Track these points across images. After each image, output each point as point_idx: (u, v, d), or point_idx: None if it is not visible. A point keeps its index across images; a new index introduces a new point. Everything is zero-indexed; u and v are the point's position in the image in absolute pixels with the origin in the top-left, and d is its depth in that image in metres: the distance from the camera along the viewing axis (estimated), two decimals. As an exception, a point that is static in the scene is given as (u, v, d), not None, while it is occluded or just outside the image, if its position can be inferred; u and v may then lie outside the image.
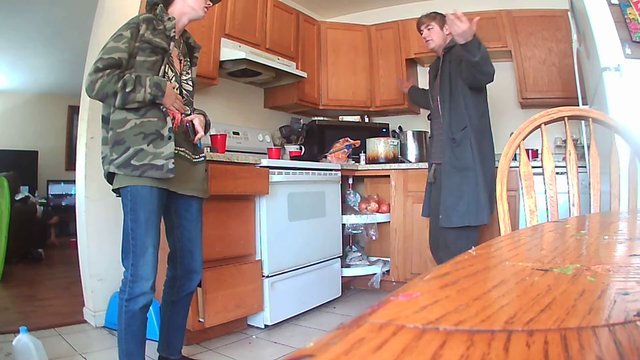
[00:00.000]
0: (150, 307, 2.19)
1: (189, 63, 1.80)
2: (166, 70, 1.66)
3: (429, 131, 2.69)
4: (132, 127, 1.56)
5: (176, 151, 1.64)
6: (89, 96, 1.55)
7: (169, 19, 1.67)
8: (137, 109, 1.57)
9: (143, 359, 1.64)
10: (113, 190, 1.64)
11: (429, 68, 2.78)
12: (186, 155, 1.70)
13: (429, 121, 2.70)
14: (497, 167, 1.21)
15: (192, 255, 1.79)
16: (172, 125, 1.63)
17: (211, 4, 1.78)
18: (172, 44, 1.67)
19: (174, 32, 1.68)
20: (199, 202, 1.80)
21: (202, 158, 1.79)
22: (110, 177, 1.63)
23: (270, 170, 2.44)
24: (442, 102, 2.42)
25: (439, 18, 2.45)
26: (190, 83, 1.79)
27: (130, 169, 1.53)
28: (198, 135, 1.72)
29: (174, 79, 1.69)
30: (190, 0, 1.71)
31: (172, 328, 1.83)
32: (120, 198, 1.63)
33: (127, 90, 1.51)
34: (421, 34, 2.53)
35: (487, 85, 2.39)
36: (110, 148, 1.56)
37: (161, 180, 1.58)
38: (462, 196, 2.30)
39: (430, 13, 2.50)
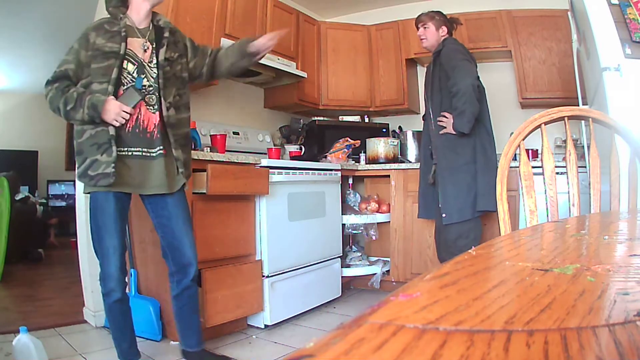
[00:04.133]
0: (150, 307, 2.21)
1: (155, 50, 1.75)
2: (124, 67, 1.67)
3: (424, 131, 2.72)
4: (87, 137, 1.64)
5: (130, 152, 1.68)
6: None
7: (121, 17, 1.70)
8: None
9: (128, 342, 1.78)
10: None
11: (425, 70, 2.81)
12: (141, 152, 1.70)
13: (423, 121, 2.74)
14: (496, 167, 1.21)
15: (180, 251, 1.81)
16: (125, 127, 1.67)
17: None
18: (123, 44, 1.66)
19: (124, 31, 1.68)
20: (175, 198, 1.79)
21: (160, 151, 1.73)
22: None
23: (270, 170, 2.44)
24: (432, 105, 2.47)
25: (437, 18, 2.49)
26: (155, 69, 1.73)
27: (87, 179, 1.64)
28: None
29: (135, 72, 1.69)
30: None
31: (183, 322, 1.88)
32: None
33: (68, 108, 1.61)
34: (417, 31, 2.57)
35: (484, 88, 2.44)
36: (76, 158, 1.68)
37: (116, 184, 1.64)
38: (447, 195, 2.39)
39: (430, 12, 2.52)
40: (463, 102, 2.27)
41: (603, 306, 0.30)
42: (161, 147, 1.73)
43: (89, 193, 1.70)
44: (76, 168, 1.68)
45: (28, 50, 4.90)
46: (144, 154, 1.70)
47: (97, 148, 1.62)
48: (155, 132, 1.72)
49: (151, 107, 1.72)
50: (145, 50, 1.72)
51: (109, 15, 1.72)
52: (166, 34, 1.78)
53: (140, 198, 1.82)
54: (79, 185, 2.46)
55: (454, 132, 2.34)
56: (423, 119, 2.72)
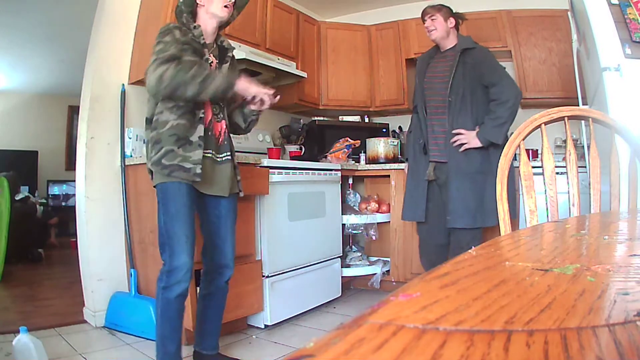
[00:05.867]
0: (150, 307, 2.21)
1: (219, 65, 1.84)
2: None
3: (423, 125, 2.54)
4: (169, 127, 1.65)
5: (205, 154, 1.71)
6: (156, 91, 1.60)
7: (195, 27, 1.74)
8: (178, 109, 1.65)
9: (177, 345, 1.68)
10: (154, 187, 1.73)
11: (417, 59, 2.74)
12: (211, 155, 1.75)
13: (415, 114, 2.62)
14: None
15: (221, 251, 1.84)
16: (211, 131, 1.72)
17: (230, 1, 1.80)
18: (205, 50, 1.74)
19: (203, 39, 1.75)
20: (229, 200, 1.83)
21: (227, 157, 1.81)
22: (151, 174, 1.73)
23: (270, 170, 2.44)
24: (451, 101, 2.40)
25: (445, 10, 2.48)
26: None
27: (160, 167, 1.64)
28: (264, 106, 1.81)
29: None
30: (210, 8, 1.76)
31: (204, 322, 1.87)
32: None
33: (200, 80, 1.56)
34: (424, 23, 2.52)
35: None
36: (151, 146, 1.68)
37: (189, 179, 1.65)
38: (474, 199, 2.34)
39: (436, 5, 2.51)
40: (510, 113, 2.28)
41: (603, 306, 0.30)
42: (228, 153, 1.80)
43: (158, 184, 1.68)
44: (150, 157, 1.66)
45: (28, 50, 4.90)
46: (213, 157, 1.75)
47: (176, 140, 1.64)
48: (221, 139, 1.79)
49: (216, 116, 1.78)
50: (210, 64, 1.78)
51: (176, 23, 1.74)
52: (230, 54, 1.88)
53: (201, 194, 1.83)
54: (79, 186, 2.47)
55: (479, 145, 2.30)
56: (415, 112, 2.62)
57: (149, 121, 1.72)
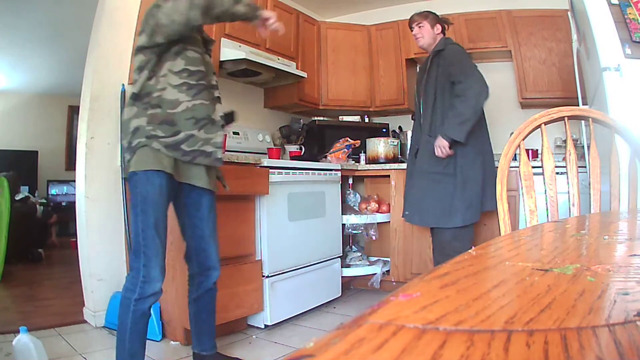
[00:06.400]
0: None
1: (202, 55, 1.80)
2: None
3: (418, 131, 2.61)
4: (184, 109, 1.56)
5: None
6: (199, 19, 1.51)
7: None
8: (189, 89, 1.57)
9: (144, 357, 1.63)
10: (128, 172, 1.58)
11: (418, 67, 2.79)
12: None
13: (412, 120, 2.71)
14: (496, 167, 1.21)
15: (206, 253, 1.78)
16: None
17: None
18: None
19: None
20: (209, 198, 1.76)
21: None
22: (131, 156, 1.56)
23: (270, 170, 2.44)
24: (425, 104, 2.45)
25: (431, 17, 2.50)
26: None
27: (181, 153, 1.55)
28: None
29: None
30: None
31: (199, 324, 1.86)
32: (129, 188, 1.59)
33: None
34: (412, 31, 2.56)
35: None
36: (156, 125, 1.54)
37: (175, 170, 1.56)
38: (434, 199, 2.38)
39: (423, 12, 2.53)
40: (473, 111, 2.24)
41: (603, 306, 0.30)
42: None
43: (137, 171, 1.52)
44: (158, 136, 1.52)
45: (28, 50, 4.90)
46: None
47: (195, 123, 1.56)
48: None
49: None
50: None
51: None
52: (211, 47, 1.83)
53: (181, 194, 1.75)
54: (79, 186, 2.47)
55: (447, 144, 2.28)
56: (413, 119, 2.70)
57: (136, 97, 1.56)
